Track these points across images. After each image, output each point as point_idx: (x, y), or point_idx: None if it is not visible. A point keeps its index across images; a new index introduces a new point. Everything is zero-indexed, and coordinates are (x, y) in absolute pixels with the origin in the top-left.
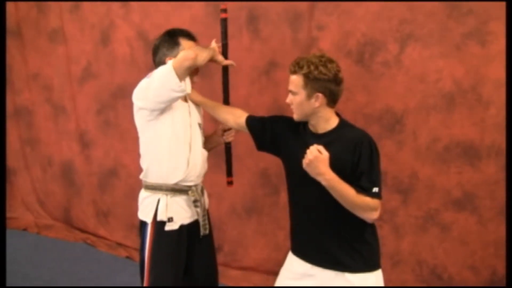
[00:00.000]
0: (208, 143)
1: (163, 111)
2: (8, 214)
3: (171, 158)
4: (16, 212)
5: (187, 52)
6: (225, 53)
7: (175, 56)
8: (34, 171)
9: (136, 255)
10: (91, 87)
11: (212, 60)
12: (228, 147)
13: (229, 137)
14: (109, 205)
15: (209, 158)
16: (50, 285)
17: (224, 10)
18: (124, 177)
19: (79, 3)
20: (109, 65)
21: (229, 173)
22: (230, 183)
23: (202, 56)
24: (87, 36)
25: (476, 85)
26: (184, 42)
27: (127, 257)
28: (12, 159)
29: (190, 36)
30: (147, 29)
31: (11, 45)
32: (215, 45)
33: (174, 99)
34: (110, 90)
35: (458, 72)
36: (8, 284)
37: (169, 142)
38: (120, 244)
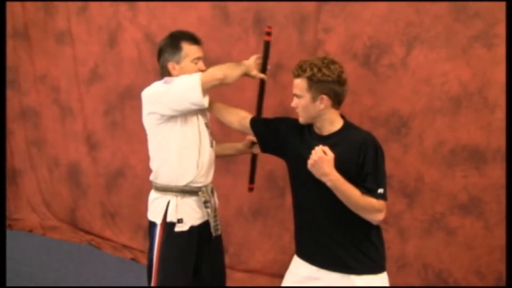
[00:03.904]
0: (230, 149)
1: (173, 116)
2: (13, 215)
3: (181, 160)
4: (22, 214)
5: (216, 71)
6: (264, 71)
7: (177, 62)
8: (40, 172)
9: (141, 257)
10: (99, 88)
11: (246, 74)
12: (254, 155)
13: (257, 150)
14: (116, 206)
15: (216, 161)
16: (55, 286)
17: (269, 34)
18: (131, 178)
19: (87, 5)
20: (116, 67)
21: (252, 180)
22: (251, 189)
23: (232, 75)
24: (94, 37)
25: (483, 88)
26: (186, 47)
27: (132, 259)
28: (18, 160)
29: (193, 40)
30: (154, 31)
31: (18, 46)
32: (253, 59)
33: (190, 110)
34: (117, 91)
35: (464, 75)
36: (13, 285)
37: (179, 145)
38: (125, 246)
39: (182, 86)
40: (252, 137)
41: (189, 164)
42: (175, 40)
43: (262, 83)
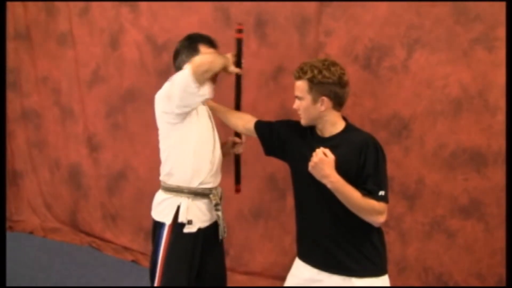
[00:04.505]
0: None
1: (188, 114)
2: (14, 217)
3: (196, 160)
4: (23, 215)
5: (203, 56)
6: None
7: None
8: (41, 173)
9: (142, 259)
10: (100, 90)
11: (224, 70)
12: (237, 156)
13: (239, 150)
14: (117, 208)
15: None
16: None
17: (240, 31)
18: (133, 180)
19: (88, 7)
20: (118, 69)
21: (237, 180)
22: (238, 190)
23: (218, 60)
24: (96, 39)
25: (483, 90)
26: (204, 49)
27: (133, 261)
28: (19, 162)
29: (210, 43)
30: (155, 33)
31: (20, 48)
32: (230, 55)
33: (197, 103)
34: (119, 93)
35: (465, 78)
36: (13, 286)
37: (196, 145)
38: (126, 248)
39: (179, 80)
40: (234, 138)
41: (203, 164)
42: (193, 43)
43: (238, 78)
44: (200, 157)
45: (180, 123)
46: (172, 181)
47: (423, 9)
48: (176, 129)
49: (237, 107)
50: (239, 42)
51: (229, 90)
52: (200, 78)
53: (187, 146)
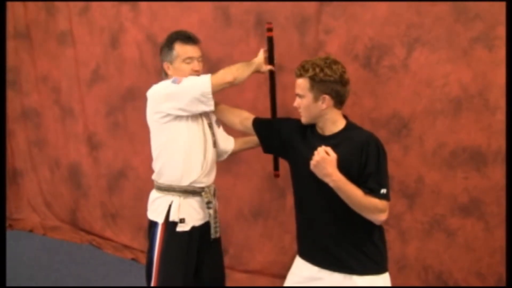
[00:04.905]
0: (251, 143)
1: (180, 116)
2: (14, 215)
3: (186, 160)
4: (23, 214)
5: (226, 74)
6: (271, 64)
7: (170, 62)
8: (41, 172)
9: (142, 257)
10: (100, 89)
11: (257, 71)
12: None
13: None
14: (117, 207)
15: (216, 161)
16: (55, 286)
17: (270, 29)
18: (133, 179)
19: (88, 6)
20: (118, 68)
21: (276, 167)
22: (277, 176)
23: (242, 76)
24: (96, 39)
25: (483, 90)
26: (178, 47)
27: (133, 259)
28: (19, 161)
29: (186, 39)
30: (156, 32)
31: (20, 47)
32: (262, 54)
33: (199, 112)
34: (119, 92)
35: (465, 77)
36: (13, 285)
37: (185, 144)
38: (126, 246)
39: (193, 88)
40: None
41: (194, 164)
42: (169, 40)
43: (271, 74)
44: (190, 157)
45: (170, 123)
46: (163, 180)
47: (423, 8)
48: (165, 128)
49: (273, 103)
50: (270, 40)
51: (229, 90)
52: (215, 92)
53: (177, 146)
